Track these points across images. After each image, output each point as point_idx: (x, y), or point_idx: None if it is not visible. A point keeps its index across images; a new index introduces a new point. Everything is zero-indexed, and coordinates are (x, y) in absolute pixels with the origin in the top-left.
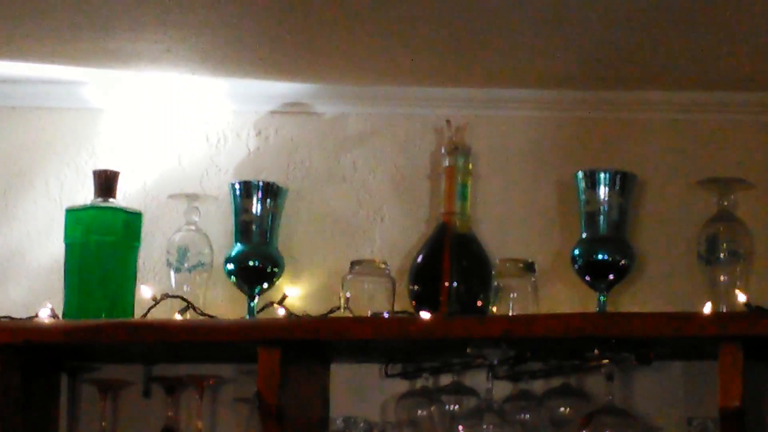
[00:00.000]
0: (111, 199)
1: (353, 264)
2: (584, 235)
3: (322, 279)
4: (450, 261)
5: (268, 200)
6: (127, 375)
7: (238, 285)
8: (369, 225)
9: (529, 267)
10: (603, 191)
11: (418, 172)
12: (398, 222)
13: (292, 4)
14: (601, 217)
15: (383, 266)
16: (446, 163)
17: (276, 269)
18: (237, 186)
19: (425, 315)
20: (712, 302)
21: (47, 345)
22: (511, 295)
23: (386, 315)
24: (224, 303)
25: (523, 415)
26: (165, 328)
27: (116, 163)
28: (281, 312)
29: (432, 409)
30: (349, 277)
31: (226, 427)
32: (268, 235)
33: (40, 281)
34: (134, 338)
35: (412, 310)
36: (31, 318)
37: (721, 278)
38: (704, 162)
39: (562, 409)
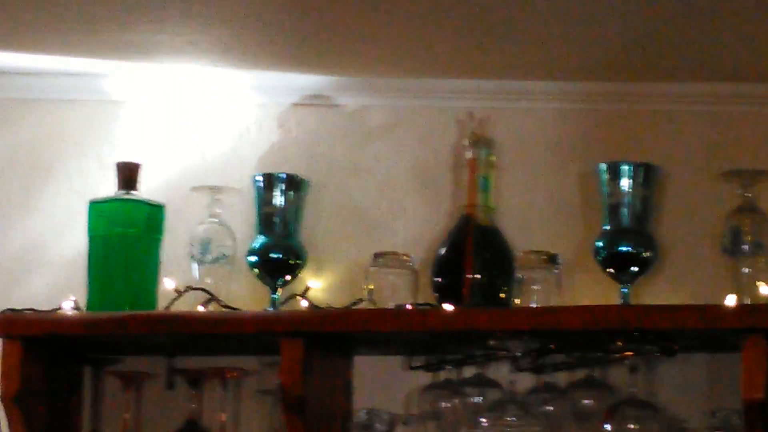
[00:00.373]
0: (134, 192)
1: (376, 256)
2: (607, 227)
3: (345, 271)
4: (473, 253)
5: (291, 192)
6: (150, 367)
7: (261, 277)
8: (391, 217)
9: (552, 259)
10: (626, 183)
11: (440, 165)
12: (421, 214)
13: None
14: (625, 209)
15: (406, 258)
16: (469, 155)
17: (299, 261)
18: (260, 178)
19: (448, 307)
20: (736, 294)
21: (70, 337)
22: (534, 287)
23: (409, 307)
24: (247, 295)
25: (546, 407)
26: (188, 320)
27: (139, 155)
28: (304, 304)
29: (455, 401)
30: (372, 269)
31: (249, 419)
32: (291, 227)
33: (63, 274)
34: (157, 331)
35: (434, 302)
36: (54, 310)
37: (745, 270)
38: (728, 153)
39: (585, 401)
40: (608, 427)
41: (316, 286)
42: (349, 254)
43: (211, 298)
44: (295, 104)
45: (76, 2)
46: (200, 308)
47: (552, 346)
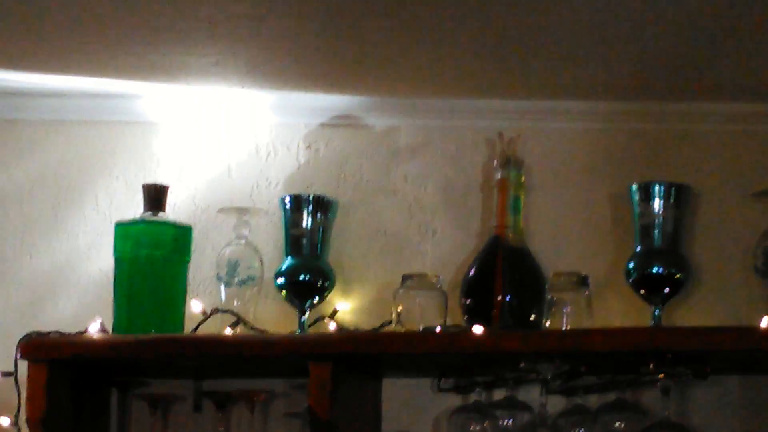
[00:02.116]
0: (161, 213)
1: (405, 278)
2: (639, 248)
3: (374, 293)
4: (503, 274)
5: (319, 213)
6: (177, 390)
7: (289, 299)
8: (420, 238)
9: (583, 280)
10: (658, 203)
11: (469, 185)
12: (450, 235)
13: (341, 17)
14: (656, 230)
15: (435, 280)
16: (498, 175)
17: (327, 283)
18: (287, 199)
19: (478, 329)
20: None
21: (97, 360)
22: (565, 309)
23: (438, 329)
24: (275, 317)
25: (577, 430)
26: (215, 343)
27: (166, 176)
28: (332, 326)
29: (485, 424)
30: (400, 290)
31: None
32: (319, 248)
33: (90, 296)
34: (184, 353)
35: (464, 324)
36: (80, 333)
37: None
38: (760, 173)
39: (617, 423)
40: None
41: (345, 308)
42: (378, 276)
43: (239, 320)
44: (323, 125)
45: (102, 24)
46: (227, 331)
47: (583, 368)
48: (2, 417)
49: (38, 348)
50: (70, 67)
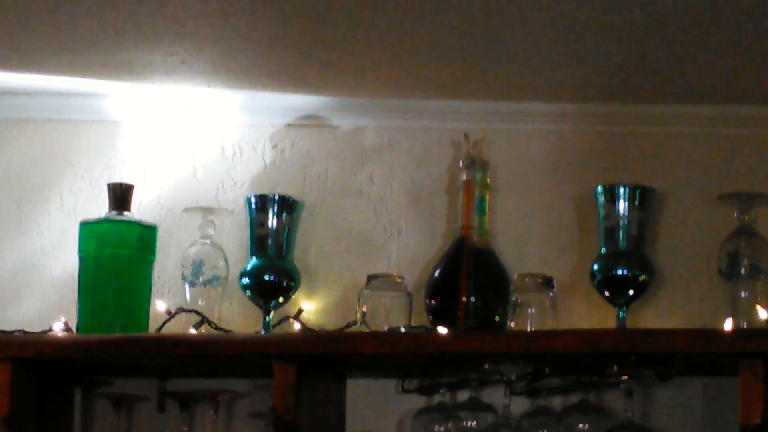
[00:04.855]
0: (125, 213)
1: (370, 278)
2: (603, 250)
3: (339, 293)
4: (467, 276)
5: (284, 214)
6: (141, 389)
7: (254, 299)
8: (386, 239)
9: (548, 282)
10: (622, 205)
11: (435, 186)
12: (415, 236)
13: (307, 17)
14: (621, 232)
15: (400, 280)
16: (464, 176)
17: (292, 283)
18: (253, 199)
19: (442, 330)
20: (732, 318)
21: (60, 359)
22: (530, 311)
23: (403, 330)
24: (239, 317)
25: None
26: (179, 342)
27: (131, 175)
28: (297, 326)
29: (449, 425)
30: (365, 291)
31: None
32: (284, 248)
33: (54, 295)
34: (148, 353)
35: (429, 325)
36: (44, 332)
37: (742, 294)
38: (725, 176)
39: (580, 425)
40: None
41: (309, 308)
42: (343, 276)
43: (203, 320)
44: (289, 125)
45: (69, 22)
46: (192, 330)
47: (547, 369)
48: None
49: (2, 346)
50: (34, 66)
